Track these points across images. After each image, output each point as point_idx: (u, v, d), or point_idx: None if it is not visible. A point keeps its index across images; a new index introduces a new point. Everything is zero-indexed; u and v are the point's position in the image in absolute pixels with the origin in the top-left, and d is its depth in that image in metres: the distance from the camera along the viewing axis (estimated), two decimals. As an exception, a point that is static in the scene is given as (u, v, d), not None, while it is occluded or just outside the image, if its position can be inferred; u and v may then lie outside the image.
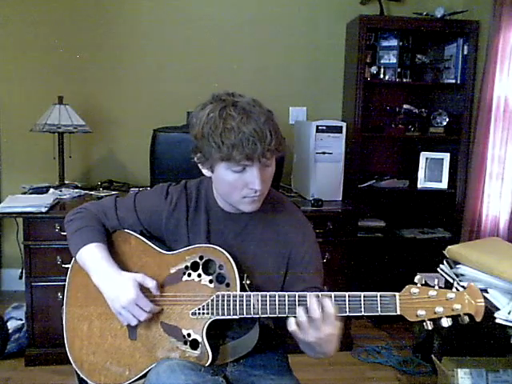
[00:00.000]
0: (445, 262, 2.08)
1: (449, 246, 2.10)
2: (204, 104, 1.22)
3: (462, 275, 1.96)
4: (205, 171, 1.27)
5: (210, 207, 1.35)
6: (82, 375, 1.33)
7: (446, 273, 2.03)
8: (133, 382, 1.27)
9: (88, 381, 1.32)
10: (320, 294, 1.13)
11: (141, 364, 1.27)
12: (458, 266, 1.99)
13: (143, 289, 1.25)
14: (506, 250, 2.05)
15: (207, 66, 3.26)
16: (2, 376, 2.34)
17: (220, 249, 1.25)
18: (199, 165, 1.27)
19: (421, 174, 3.28)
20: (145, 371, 1.25)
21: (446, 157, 3.24)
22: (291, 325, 1.12)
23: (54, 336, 2.34)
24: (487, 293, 1.80)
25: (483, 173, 2.81)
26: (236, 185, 1.20)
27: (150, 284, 1.25)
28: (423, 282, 1.10)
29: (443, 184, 3.25)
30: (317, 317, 1.09)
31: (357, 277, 2.70)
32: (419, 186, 3.28)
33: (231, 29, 3.29)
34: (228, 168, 1.19)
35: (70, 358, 1.35)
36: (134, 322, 1.24)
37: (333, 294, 1.14)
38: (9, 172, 3.26)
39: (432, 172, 3.27)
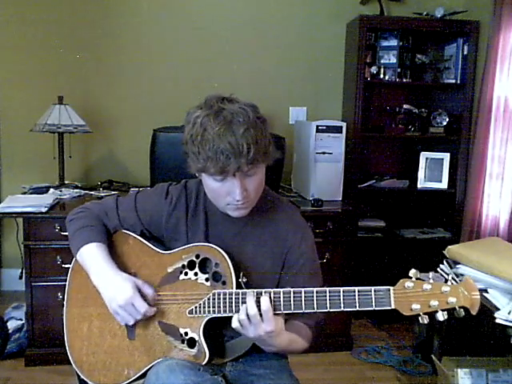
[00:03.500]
0: (445, 261, 2.07)
1: (449, 246, 2.09)
2: (197, 107, 1.21)
3: (461, 275, 1.95)
4: (196, 174, 1.27)
5: (208, 207, 1.34)
6: (82, 375, 1.33)
7: (445, 273, 2.03)
8: (132, 381, 1.27)
9: (88, 381, 1.32)
10: (263, 290, 1.15)
11: (140, 363, 1.27)
12: (458, 266, 1.99)
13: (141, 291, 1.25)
14: (505, 250, 2.05)
15: (207, 66, 3.26)
16: (2, 376, 2.34)
17: (216, 247, 1.25)
18: (190, 168, 1.25)
19: (421, 174, 3.27)
20: (144, 370, 1.25)
21: (446, 157, 3.24)
22: (234, 322, 1.15)
23: (54, 336, 2.35)
24: (487, 293, 1.80)
25: (483, 173, 2.81)
26: (219, 192, 1.21)
27: (148, 290, 1.25)
28: (418, 276, 1.09)
29: (443, 184, 3.24)
30: (252, 313, 1.11)
31: (357, 277, 2.69)
32: (419, 186, 3.27)
33: (231, 29, 3.29)
34: (210, 176, 1.19)
35: (71, 358, 1.35)
36: (131, 322, 1.24)
37: (327, 289, 1.14)
38: (9, 172, 3.25)
39: (432, 172, 3.26)
